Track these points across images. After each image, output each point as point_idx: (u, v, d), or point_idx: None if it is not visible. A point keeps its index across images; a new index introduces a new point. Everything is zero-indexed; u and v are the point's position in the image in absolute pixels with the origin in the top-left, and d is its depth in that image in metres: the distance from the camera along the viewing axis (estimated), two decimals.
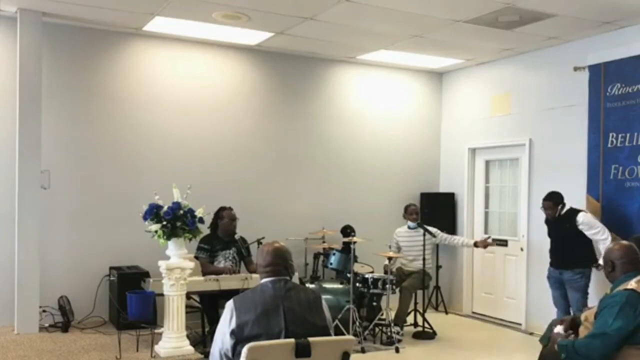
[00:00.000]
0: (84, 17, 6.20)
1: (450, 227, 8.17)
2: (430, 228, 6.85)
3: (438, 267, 7.87)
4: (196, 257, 6.08)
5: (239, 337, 2.93)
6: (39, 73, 6.02)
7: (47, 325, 6.07)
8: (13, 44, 6.05)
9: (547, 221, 6.26)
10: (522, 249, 7.29)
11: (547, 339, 4.70)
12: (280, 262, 3.16)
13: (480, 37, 6.64)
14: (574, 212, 5.99)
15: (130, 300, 5.32)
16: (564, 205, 6.09)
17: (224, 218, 6.23)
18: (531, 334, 6.89)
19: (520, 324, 7.25)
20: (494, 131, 7.77)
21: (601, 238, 5.82)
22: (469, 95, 8.22)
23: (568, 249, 5.92)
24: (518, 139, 7.38)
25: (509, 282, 7.51)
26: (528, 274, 7.18)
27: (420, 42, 6.92)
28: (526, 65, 7.37)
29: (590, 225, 5.88)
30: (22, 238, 5.93)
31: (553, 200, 6.10)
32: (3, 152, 6.11)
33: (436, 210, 8.02)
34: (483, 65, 7.95)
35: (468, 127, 8.17)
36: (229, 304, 3.05)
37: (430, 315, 7.10)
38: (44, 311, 6.09)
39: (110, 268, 6.42)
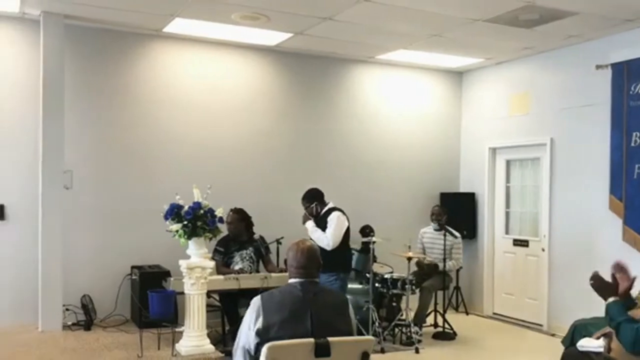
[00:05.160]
0: (105, 19, 6.28)
1: (471, 227, 8.13)
2: (453, 231, 6.83)
3: (458, 268, 7.81)
4: (212, 259, 6.11)
5: (264, 338, 2.93)
6: (61, 74, 6.11)
7: (70, 323, 6.15)
8: (37, 46, 6.14)
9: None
10: (543, 249, 7.22)
11: (569, 340, 4.65)
12: (312, 264, 3.16)
13: (500, 36, 6.59)
14: (330, 211, 5.79)
15: (151, 299, 5.37)
16: (321, 203, 5.87)
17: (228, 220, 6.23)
18: (553, 335, 6.82)
19: (541, 325, 7.18)
20: (514, 131, 7.70)
21: (322, 236, 5.63)
22: (489, 95, 8.16)
23: (322, 251, 5.62)
24: (539, 138, 7.31)
25: (530, 283, 7.44)
26: (550, 274, 7.11)
27: (439, 42, 6.88)
28: (547, 64, 7.30)
29: (329, 223, 5.67)
30: (45, 237, 6.02)
31: (305, 199, 5.93)
32: (27, 153, 6.20)
33: (456, 210, 7.97)
34: (503, 64, 7.89)
35: (488, 127, 8.11)
36: (256, 301, 3.04)
37: (451, 316, 7.06)
38: (67, 309, 6.17)
39: (132, 267, 6.49)
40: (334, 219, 5.70)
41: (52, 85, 6.05)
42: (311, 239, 5.61)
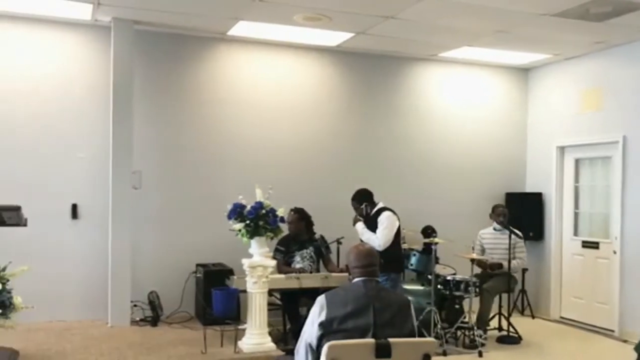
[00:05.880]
0: (172, 24, 6.45)
1: (538, 228, 7.91)
2: (515, 230, 6.66)
3: (524, 270, 7.60)
4: (273, 258, 6.17)
5: (328, 330, 3.00)
6: (130, 78, 6.32)
7: (138, 319, 6.35)
8: (107, 51, 6.38)
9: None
10: (614, 252, 6.93)
11: None
12: (375, 262, 3.27)
13: (569, 30, 6.37)
14: (380, 211, 5.72)
15: (215, 296, 5.48)
16: (371, 204, 5.85)
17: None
18: (625, 341, 6.54)
19: (613, 331, 6.90)
20: (584, 128, 7.43)
21: (373, 237, 5.63)
22: (557, 92, 7.90)
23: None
24: (611, 136, 7.02)
25: (601, 286, 7.16)
26: (622, 278, 6.82)
27: (505, 38, 6.72)
28: (619, 58, 7.00)
29: (380, 223, 5.65)
30: (115, 236, 6.24)
31: (355, 199, 5.92)
32: (99, 154, 6.44)
33: (522, 211, 7.75)
34: (572, 60, 7.62)
35: (556, 125, 7.86)
36: (320, 299, 3.12)
37: (516, 320, 6.87)
38: (135, 305, 6.38)
39: (197, 265, 6.65)
40: (384, 219, 5.70)
41: (122, 88, 6.27)
42: (361, 240, 5.61)
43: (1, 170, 6.15)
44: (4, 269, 4.57)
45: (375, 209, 5.86)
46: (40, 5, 5.93)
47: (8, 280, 4.55)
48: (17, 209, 4.69)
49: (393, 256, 5.69)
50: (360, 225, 5.88)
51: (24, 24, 6.28)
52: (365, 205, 5.90)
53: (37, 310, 4.88)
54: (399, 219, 5.85)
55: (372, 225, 5.78)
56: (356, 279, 3.22)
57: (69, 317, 6.31)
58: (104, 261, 6.29)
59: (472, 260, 6.33)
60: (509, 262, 6.56)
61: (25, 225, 4.89)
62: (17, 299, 4.57)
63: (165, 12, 6.08)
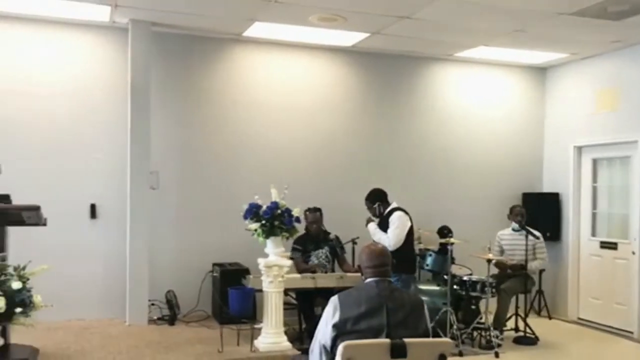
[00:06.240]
0: (190, 25, 6.50)
1: (555, 229, 7.85)
2: (533, 231, 6.62)
3: (541, 270, 7.55)
4: (291, 258, 6.20)
5: (341, 331, 3.01)
6: (148, 79, 6.37)
7: (155, 317, 6.40)
8: (125, 52, 6.44)
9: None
10: (633, 253, 6.86)
11: None
12: (387, 262, 3.25)
13: (587, 29, 6.32)
14: (392, 211, 5.72)
15: (231, 295, 5.52)
16: (384, 203, 5.84)
17: (307, 220, 6.30)
18: None
19: (632, 332, 6.83)
20: (602, 128, 7.36)
21: (384, 237, 5.62)
22: (574, 91, 7.84)
23: None
24: (629, 135, 6.95)
25: (619, 287, 7.09)
26: None
27: (522, 37, 6.68)
28: (637, 57, 6.92)
29: (391, 223, 5.64)
30: (133, 235, 6.30)
31: (368, 199, 5.93)
32: (117, 155, 6.51)
33: (540, 211, 7.70)
34: (590, 59, 7.55)
35: (574, 125, 7.80)
36: (333, 300, 3.12)
37: (533, 320, 6.83)
38: (152, 304, 6.43)
39: (213, 264, 6.69)
40: (395, 219, 5.71)
41: (140, 89, 6.32)
42: (374, 241, 5.62)
43: (21, 170, 6.21)
44: (23, 268, 4.63)
45: (389, 208, 5.86)
46: (58, 8, 6.00)
47: (28, 279, 4.61)
48: (36, 208, 4.74)
49: (405, 257, 5.67)
50: (372, 226, 5.89)
51: (42, 26, 6.35)
52: (378, 205, 5.90)
53: (56, 309, 4.92)
54: (411, 220, 5.84)
55: (384, 225, 5.79)
56: (369, 279, 3.21)
57: (87, 316, 6.39)
58: (122, 260, 6.36)
59: (489, 261, 6.30)
60: (526, 262, 6.53)
61: (44, 224, 4.93)
62: (37, 298, 4.63)
63: (181, 14, 6.13)
